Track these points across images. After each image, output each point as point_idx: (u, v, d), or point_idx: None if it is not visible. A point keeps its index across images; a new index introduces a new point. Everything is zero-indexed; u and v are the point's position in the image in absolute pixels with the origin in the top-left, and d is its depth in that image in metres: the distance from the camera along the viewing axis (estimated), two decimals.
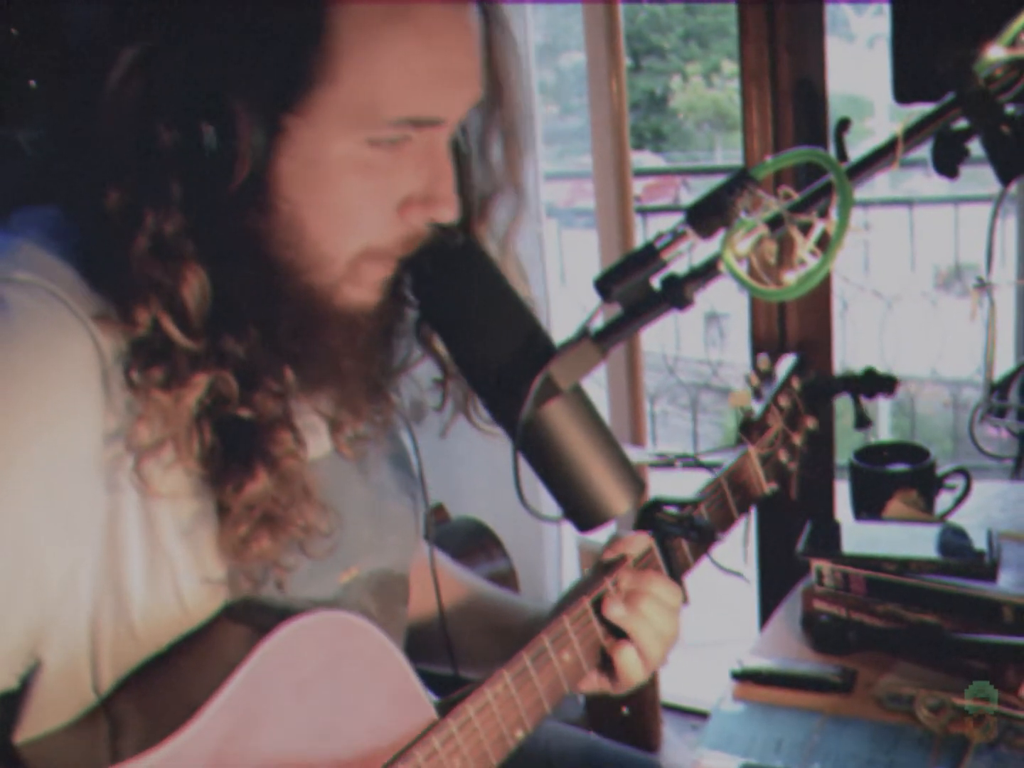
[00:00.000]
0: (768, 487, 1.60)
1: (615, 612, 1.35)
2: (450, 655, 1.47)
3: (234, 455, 1.14)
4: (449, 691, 1.27)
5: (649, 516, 1.42)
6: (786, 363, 1.66)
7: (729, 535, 1.55)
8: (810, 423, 1.65)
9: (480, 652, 1.43)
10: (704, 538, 1.44)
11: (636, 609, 1.36)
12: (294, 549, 1.19)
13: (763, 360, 1.65)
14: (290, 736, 1.14)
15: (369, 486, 1.37)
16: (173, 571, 1.14)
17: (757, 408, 1.60)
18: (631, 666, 1.38)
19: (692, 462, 1.58)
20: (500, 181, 1.31)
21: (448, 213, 1.18)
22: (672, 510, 1.43)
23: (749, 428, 1.58)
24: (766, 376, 1.63)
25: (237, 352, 1.12)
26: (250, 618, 1.17)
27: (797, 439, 1.64)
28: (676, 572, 1.45)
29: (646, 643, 1.37)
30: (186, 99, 1.07)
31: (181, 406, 1.09)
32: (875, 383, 1.66)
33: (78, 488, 1.08)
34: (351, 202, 1.13)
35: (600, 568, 1.42)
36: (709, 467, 1.55)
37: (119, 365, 1.08)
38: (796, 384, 1.63)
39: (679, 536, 1.42)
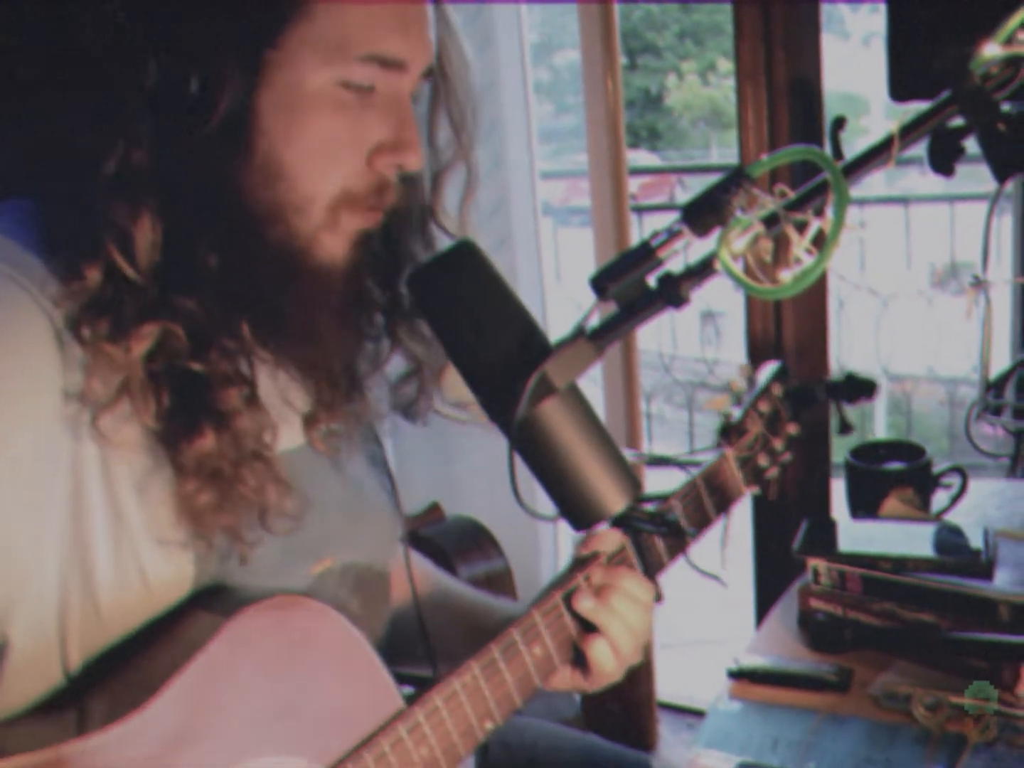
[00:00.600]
0: (747, 490, 1.60)
1: (584, 605, 1.37)
2: (429, 654, 1.48)
3: (185, 411, 1.17)
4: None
5: (622, 512, 1.43)
6: (768, 370, 1.67)
7: (705, 535, 1.56)
8: (792, 429, 1.66)
9: (457, 652, 1.44)
10: (675, 533, 1.46)
11: (606, 603, 1.38)
12: (254, 523, 1.21)
13: (745, 368, 1.66)
14: (251, 718, 1.14)
15: (343, 481, 1.39)
16: (133, 537, 1.16)
17: (737, 412, 1.61)
18: (603, 660, 1.39)
19: (668, 462, 1.59)
20: (450, 157, 1.39)
21: (414, 159, 1.25)
22: (647, 507, 1.44)
23: (727, 431, 1.60)
24: (748, 383, 1.64)
25: (187, 305, 1.15)
26: (218, 605, 1.19)
27: (778, 444, 1.64)
28: (650, 570, 1.47)
29: (616, 636, 1.38)
30: (171, 36, 1.13)
31: (131, 358, 1.12)
32: (856, 388, 1.68)
33: (42, 458, 1.11)
34: (325, 140, 1.20)
35: (574, 564, 1.43)
36: (684, 466, 1.56)
37: (71, 327, 1.12)
38: (777, 391, 1.65)
39: (651, 532, 1.43)
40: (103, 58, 1.13)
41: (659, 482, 1.53)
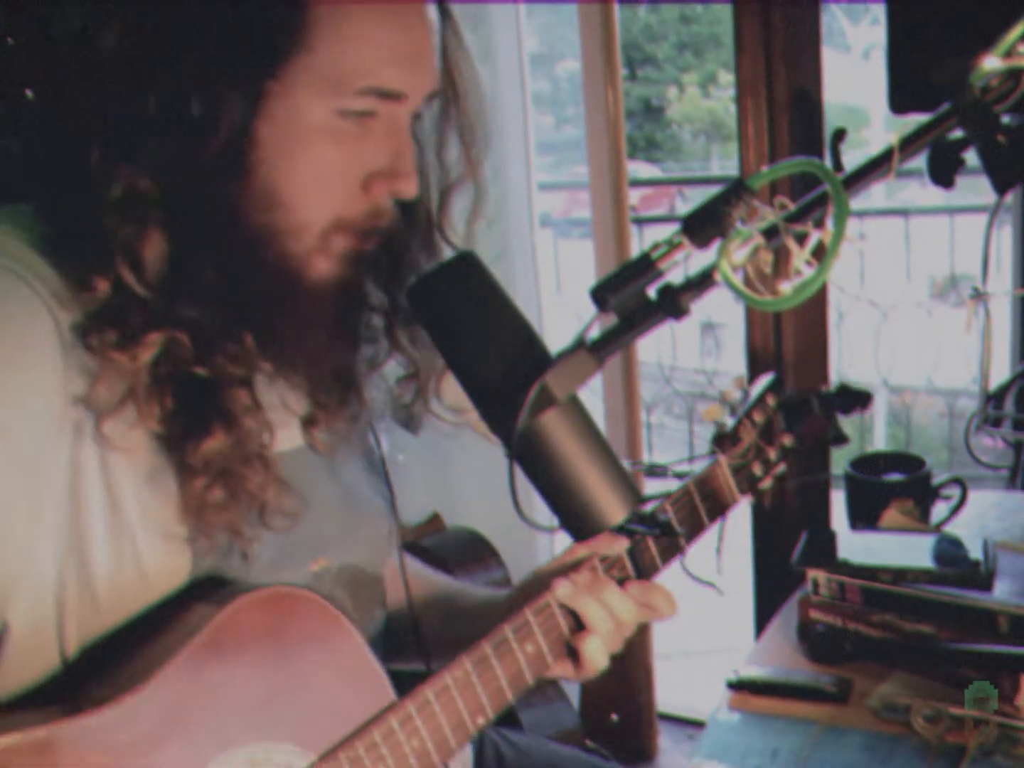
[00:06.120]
0: (741, 497, 1.62)
1: (563, 591, 1.39)
2: (423, 650, 1.50)
3: (193, 413, 1.20)
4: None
5: None
6: (762, 381, 1.68)
7: (700, 542, 1.57)
8: (787, 440, 1.67)
9: (448, 644, 1.46)
10: (667, 534, 1.47)
11: (596, 597, 1.40)
12: (254, 520, 1.24)
13: (739, 379, 1.67)
14: (242, 704, 1.16)
15: (339, 482, 1.42)
16: (132, 529, 1.19)
17: (730, 422, 1.62)
18: (596, 656, 1.42)
19: (663, 472, 1.59)
20: (458, 175, 1.41)
21: (408, 188, 1.28)
22: (640, 509, 1.44)
23: (721, 439, 1.61)
24: (742, 393, 1.65)
25: (192, 314, 1.18)
26: (215, 595, 1.21)
27: (772, 454, 1.65)
28: (643, 573, 1.48)
29: (605, 632, 1.41)
30: (174, 63, 1.15)
31: (137, 365, 1.15)
32: (850, 399, 1.69)
33: (41, 449, 1.13)
34: (322, 169, 1.23)
35: (566, 564, 1.46)
36: (680, 476, 1.57)
37: (77, 333, 1.14)
38: (771, 401, 1.66)
39: (643, 534, 1.45)
40: (107, 83, 1.16)
41: (657, 492, 1.54)
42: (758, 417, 1.63)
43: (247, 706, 1.16)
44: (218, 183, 1.19)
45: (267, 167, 1.20)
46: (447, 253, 1.42)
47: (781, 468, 1.67)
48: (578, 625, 1.41)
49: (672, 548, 1.51)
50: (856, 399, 1.67)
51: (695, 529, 1.55)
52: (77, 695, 1.14)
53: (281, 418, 1.30)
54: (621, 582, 1.44)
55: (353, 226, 1.26)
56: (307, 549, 1.35)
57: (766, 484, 1.66)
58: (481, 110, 1.40)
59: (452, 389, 1.42)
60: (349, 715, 1.24)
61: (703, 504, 1.56)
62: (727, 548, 1.59)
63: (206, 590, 1.23)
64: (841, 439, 1.71)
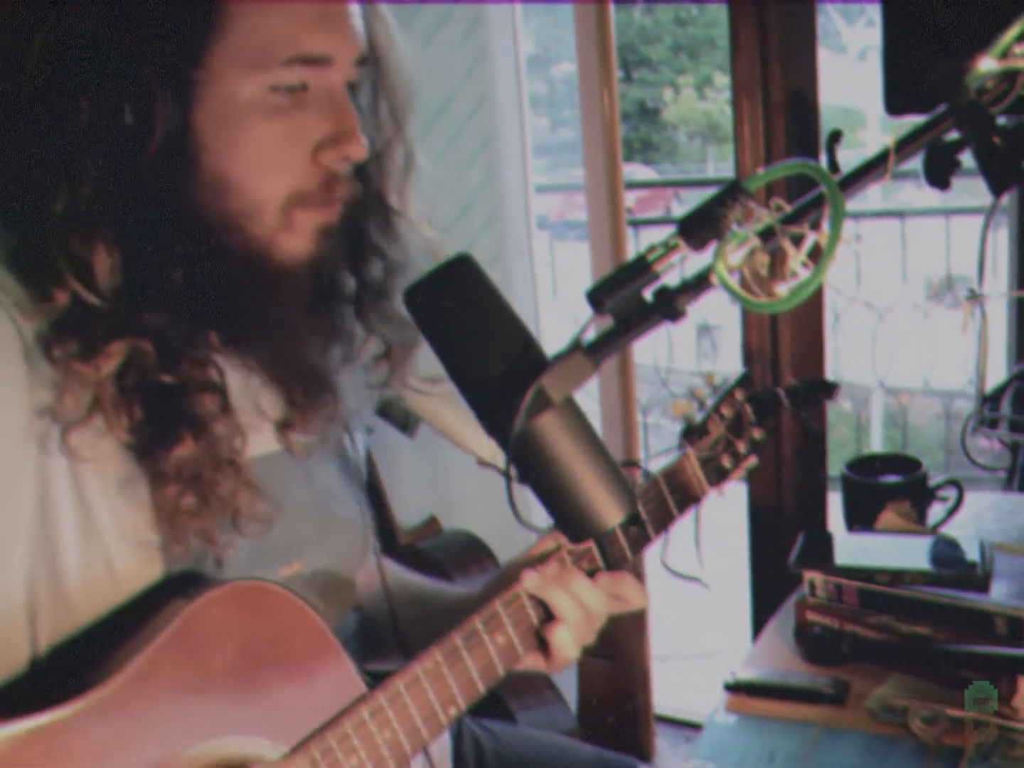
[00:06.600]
0: (711, 489, 1.63)
1: (531, 582, 1.40)
2: (403, 650, 1.51)
3: (161, 421, 1.20)
4: None
5: None
6: (732, 378, 1.69)
7: (670, 531, 1.58)
8: (757, 433, 1.69)
9: (427, 643, 1.48)
10: (634, 524, 1.49)
11: (564, 587, 1.42)
12: (227, 526, 1.25)
13: (709, 376, 1.68)
14: (216, 698, 1.17)
15: (313, 487, 1.42)
16: (104, 538, 1.19)
17: (699, 416, 1.65)
18: (566, 646, 1.42)
19: (632, 464, 1.61)
20: (390, 136, 1.41)
21: (357, 149, 1.28)
22: None
23: (689, 432, 1.63)
24: (712, 389, 1.67)
25: (153, 321, 1.18)
26: (183, 589, 1.21)
27: (742, 447, 1.67)
28: (613, 564, 1.49)
29: (575, 621, 1.42)
30: (98, 72, 1.15)
31: (101, 375, 1.15)
32: (816, 390, 1.72)
33: (7, 462, 1.13)
34: (265, 146, 1.23)
35: (534, 557, 1.48)
36: (647, 472, 1.59)
37: (41, 345, 1.14)
38: (740, 395, 1.68)
39: None
40: (34, 101, 1.15)
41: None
42: (726, 411, 1.65)
43: (217, 700, 1.17)
44: (165, 180, 1.19)
45: (210, 154, 1.21)
46: (398, 223, 1.43)
47: (752, 461, 1.69)
48: (548, 616, 1.42)
49: (641, 539, 1.53)
50: (822, 390, 1.71)
51: (664, 521, 1.57)
52: (43, 694, 1.14)
53: (254, 423, 1.30)
54: (591, 574, 1.46)
55: (311, 198, 1.27)
56: (280, 554, 1.35)
57: (738, 476, 1.67)
58: (404, 73, 1.39)
59: (425, 360, 1.43)
60: (320, 707, 1.25)
61: (672, 496, 1.57)
62: (726, 550, 1.60)
63: (178, 586, 1.23)
64: (811, 429, 1.74)
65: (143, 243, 1.18)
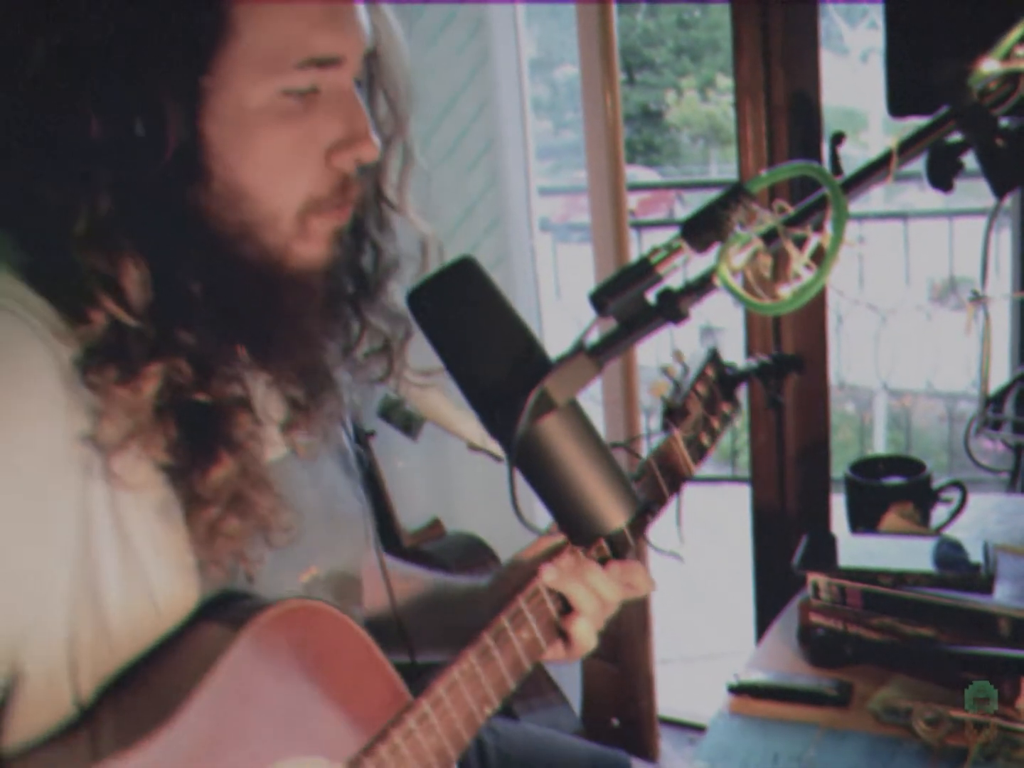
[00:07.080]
0: (694, 468, 1.64)
1: (550, 576, 1.41)
2: (406, 642, 1.53)
3: (198, 442, 1.18)
4: (407, 677, 1.31)
5: None
6: (700, 354, 1.71)
7: (661, 514, 1.60)
8: (727, 408, 1.70)
9: (431, 634, 1.48)
10: (643, 510, 1.51)
11: (582, 580, 1.43)
12: (258, 540, 1.23)
13: (678, 353, 1.69)
14: (274, 722, 1.16)
15: (320, 489, 1.41)
16: (144, 566, 1.17)
17: (678, 396, 1.65)
18: (585, 637, 1.44)
19: (620, 446, 1.61)
20: (390, 132, 1.38)
21: (370, 150, 1.25)
22: None
23: (673, 413, 1.63)
24: (683, 368, 1.67)
25: (187, 339, 1.16)
26: (224, 616, 1.20)
27: (716, 423, 1.68)
28: (618, 551, 1.50)
29: (592, 612, 1.44)
30: (105, 83, 1.12)
31: (140, 398, 1.13)
32: (783, 365, 1.74)
33: (50, 494, 1.10)
34: (279, 153, 1.20)
35: (545, 550, 1.49)
36: (636, 454, 1.61)
37: (78, 371, 1.12)
38: (711, 372, 1.69)
39: None
40: (43, 117, 1.13)
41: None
42: (702, 389, 1.66)
43: (275, 725, 1.16)
44: (178, 191, 1.16)
45: (223, 164, 1.18)
46: (393, 218, 1.43)
47: (723, 437, 1.71)
48: (565, 608, 1.43)
49: (639, 526, 1.54)
50: (789, 364, 1.74)
51: (658, 504, 1.58)
52: (96, 738, 1.13)
53: (266, 430, 1.28)
54: (602, 562, 1.47)
55: (326, 203, 1.24)
56: (299, 560, 1.34)
57: (711, 453, 1.70)
58: (404, 67, 1.37)
59: (415, 353, 1.44)
60: (369, 720, 1.25)
61: (664, 478, 1.58)
62: (726, 551, 1.61)
63: (220, 611, 1.21)
64: (776, 403, 1.76)
65: (162, 257, 1.16)
